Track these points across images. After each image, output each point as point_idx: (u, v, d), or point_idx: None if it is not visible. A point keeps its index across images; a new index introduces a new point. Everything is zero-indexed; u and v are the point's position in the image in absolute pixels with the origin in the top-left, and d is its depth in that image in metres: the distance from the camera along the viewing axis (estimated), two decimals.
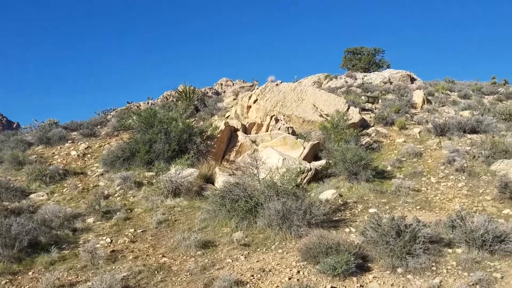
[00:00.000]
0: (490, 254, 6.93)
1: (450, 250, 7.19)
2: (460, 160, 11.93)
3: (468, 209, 9.25)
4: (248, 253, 7.28)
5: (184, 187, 9.89)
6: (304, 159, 12.00)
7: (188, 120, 12.26)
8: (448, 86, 25.81)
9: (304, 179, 10.94)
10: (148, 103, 25.37)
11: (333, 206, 9.66)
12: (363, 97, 19.76)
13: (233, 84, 39.04)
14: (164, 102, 22.62)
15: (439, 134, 14.32)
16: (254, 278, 6.31)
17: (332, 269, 6.24)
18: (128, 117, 13.76)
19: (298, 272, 6.54)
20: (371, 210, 9.21)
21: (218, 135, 12.50)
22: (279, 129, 13.51)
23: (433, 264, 6.69)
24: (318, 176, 11.35)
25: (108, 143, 14.54)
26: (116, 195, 10.37)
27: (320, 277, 6.35)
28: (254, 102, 15.42)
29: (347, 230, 8.32)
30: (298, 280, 6.25)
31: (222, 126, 12.68)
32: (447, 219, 7.85)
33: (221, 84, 44.63)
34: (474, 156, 12.45)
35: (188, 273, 6.53)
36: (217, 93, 37.14)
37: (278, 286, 6.11)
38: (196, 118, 13.83)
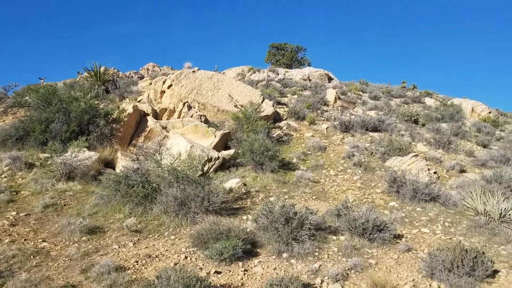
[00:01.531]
0: (370, 242, 7.49)
1: (334, 237, 7.65)
2: (359, 155, 12.76)
3: (358, 200, 9.95)
4: (138, 239, 7.08)
5: (80, 171, 9.35)
6: (215, 147, 12.01)
7: (92, 101, 11.56)
8: (361, 87, 27.47)
9: (211, 167, 10.94)
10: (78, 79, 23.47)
11: (236, 195, 9.80)
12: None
13: (160, 70, 37.80)
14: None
15: (344, 131, 15.18)
16: (138, 264, 6.15)
17: (219, 254, 6.31)
18: (26, 94, 12.62)
19: (186, 257, 6.52)
20: (271, 199, 9.46)
21: (125, 119, 11.97)
22: (191, 116, 13.33)
23: (317, 249, 7.06)
24: (226, 165, 11.44)
25: (3, 121, 13.26)
26: (3, 176, 9.47)
27: (207, 262, 6.38)
28: (169, 87, 15.05)
29: (244, 217, 8.48)
30: (184, 265, 6.20)
31: (130, 109, 12.17)
32: (334, 208, 8.34)
33: (148, 69, 43.10)
34: (372, 152, 13.40)
35: (67, 259, 6.18)
36: (142, 78, 35.78)
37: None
38: (105, 100, 13.11)
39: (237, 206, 9.13)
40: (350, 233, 7.66)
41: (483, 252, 6.31)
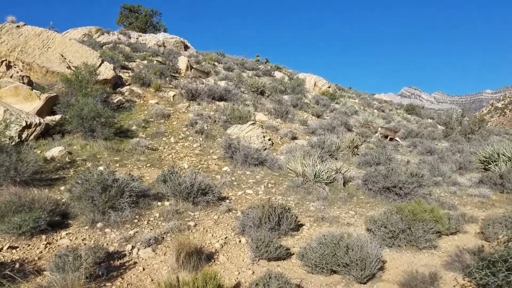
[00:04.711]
0: (194, 205, 7.60)
1: (159, 203, 7.54)
2: (202, 123, 12.86)
3: (193, 167, 10.03)
4: None
5: None
6: (39, 113, 10.64)
7: None
8: (217, 58, 27.78)
9: (31, 134, 9.68)
10: None
11: (58, 164, 8.89)
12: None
13: None
14: None
15: (191, 99, 15.10)
16: None
17: (16, 228, 5.61)
18: None
19: None
20: (100, 168, 8.85)
21: None
22: (11, 77, 11.52)
23: (137, 216, 6.86)
24: (51, 132, 10.27)
25: None
26: None
27: (1, 238, 5.60)
28: None
29: (62, 188, 7.73)
30: None
31: None
32: (161, 173, 8.23)
33: None
34: (215, 121, 13.64)
35: None
36: None
37: None
38: None
39: (57, 176, 8.29)
40: (175, 198, 7.66)
41: (288, 209, 6.94)
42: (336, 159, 12.51)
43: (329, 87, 28.99)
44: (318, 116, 18.71)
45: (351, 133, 16.37)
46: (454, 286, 5.13)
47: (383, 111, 29.01)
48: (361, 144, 13.86)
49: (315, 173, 9.58)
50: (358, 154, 13.38)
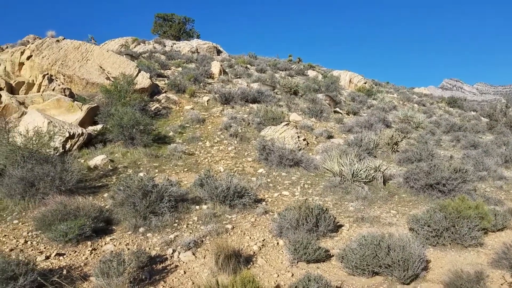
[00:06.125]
0: (231, 208, 7.66)
1: (197, 207, 7.66)
2: (236, 126, 12.96)
3: (229, 170, 10.11)
4: None
5: None
6: (81, 123, 11.13)
7: None
8: (249, 60, 27.89)
9: (74, 144, 10.14)
10: None
11: (101, 172, 9.25)
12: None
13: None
14: None
15: (224, 103, 15.25)
16: None
17: (63, 236, 5.87)
18: None
19: (26, 242, 5.94)
20: (141, 174, 9.11)
21: None
22: (53, 90, 12.12)
23: (177, 221, 7.00)
24: (93, 142, 10.70)
25: None
26: None
27: (49, 245, 5.89)
28: (28, 58, 13.43)
29: (106, 195, 8.03)
30: (21, 250, 5.66)
31: None
32: (198, 178, 8.35)
33: (28, 41, 38.68)
34: (249, 123, 13.70)
35: None
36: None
37: None
38: None
39: (100, 184, 8.63)
40: (212, 201, 7.75)
41: (326, 209, 6.84)
42: (375, 157, 12.22)
43: (365, 83, 28.41)
44: (354, 114, 18.35)
45: (390, 129, 15.92)
46: (501, 284, 4.88)
47: (423, 105, 28.02)
48: (401, 140, 13.46)
49: (353, 172, 9.40)
50: (398, 151, 13.00)
